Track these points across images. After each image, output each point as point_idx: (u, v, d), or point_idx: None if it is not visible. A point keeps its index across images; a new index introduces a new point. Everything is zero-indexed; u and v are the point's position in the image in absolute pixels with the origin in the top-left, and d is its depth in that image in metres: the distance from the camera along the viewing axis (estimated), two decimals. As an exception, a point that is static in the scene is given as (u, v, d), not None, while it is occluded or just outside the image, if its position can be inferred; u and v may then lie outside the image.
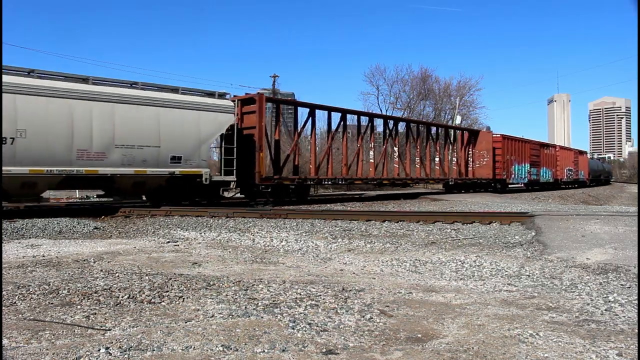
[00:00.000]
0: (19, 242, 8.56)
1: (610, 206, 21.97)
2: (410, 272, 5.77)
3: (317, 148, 20.56)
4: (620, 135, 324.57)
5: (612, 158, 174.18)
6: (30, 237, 9.24)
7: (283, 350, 3.07)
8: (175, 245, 8.11)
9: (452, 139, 27.44)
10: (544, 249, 7.05)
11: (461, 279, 5.37)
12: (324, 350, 3.09)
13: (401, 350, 3.11)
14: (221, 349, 3.08)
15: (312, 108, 19.11)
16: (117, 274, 5.48)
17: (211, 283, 4.97)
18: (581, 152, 47.33)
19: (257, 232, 9.44)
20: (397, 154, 23.71)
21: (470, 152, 28.70)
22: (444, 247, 7.66)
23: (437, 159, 26.05)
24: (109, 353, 2.99)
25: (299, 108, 19.53)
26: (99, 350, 3.03)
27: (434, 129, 26.75)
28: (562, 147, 41.61)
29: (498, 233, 8.86)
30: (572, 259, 6.24)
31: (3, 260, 6.52)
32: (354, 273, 5.73)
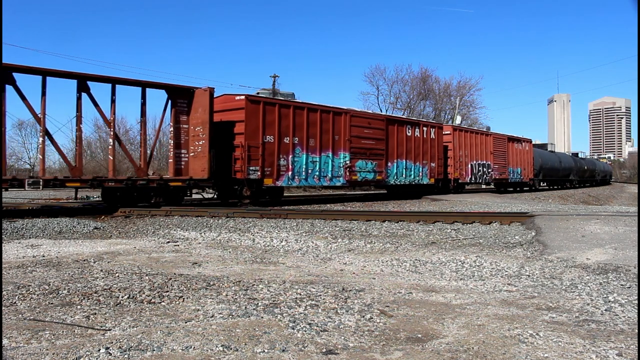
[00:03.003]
0: (19, 242, 8.55)
1: (610, 206, 21.98)
2: (410, 272, 5.77)
3: None
4: (620, 135, 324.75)
5: (612, 158, 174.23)
6: (30, 237, 9.24)
7: (283, 350, 3.07)
8: (175, 245, 8.11)
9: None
10: (544, 249, 7.05)
11: (461, 279, 5.36)
12: (324, 350, 3.09)
13: (401, 350, 3.11)
14: (221, 349, 3.08)
15: None
16: (117, 274, 5.48)
17: (211, 283, 4.97)
18: (516, 140, 31.13)
19: (257, 232, 9.44)
20: None
21: (171, 128, 14.70)
22: (444, 247, 7.66)
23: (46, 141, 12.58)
24: (109, 353, 2.99)
25: None
26: (99, 350, 3.03)
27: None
28: (464, 130, 26.12)
29: (498, 233, 8.87)
30: (572, 259, 6.24)
31: (3, 260, 6.52)
32: (354, 273, 5.73)
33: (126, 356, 2.97)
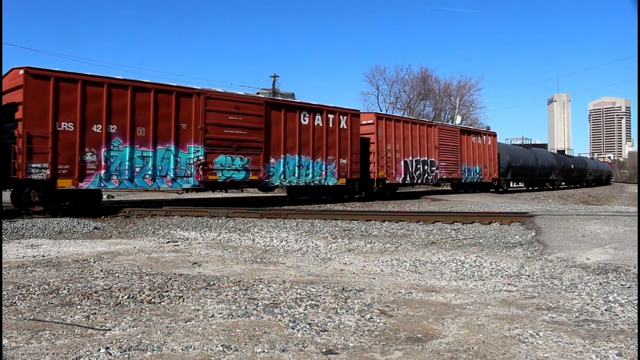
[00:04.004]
0: (19, 242, 8.55)
1: (610, 206, 21.98)
2: (410, 272, 5.77)
3: None
4: (620, 135, 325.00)
5: (612, 158, 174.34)
6: (30, 237, 9.23)
7: (283, 350, 3.07)
8: (175, 245, 8.11)
9: None
10: (544, 249, 7.04)
11: (461, 279, 5.36)
12: (324, 350, 3.09)
13: (401, 350, 3.11)
14: (221, 349, 3.08)
15: None
16: (117, 274, 5.48)
17: (211, 283, 4.97)
18: (474, 133, 26.42)
19: (257, 232, 9.44)
20: None
21: None
22: (444, 247, 7.66)
23: None
24: (109, 353, 2.99)
25: None
26: (99, 350, 3.03)
27: None
28: (394, 119, 21.38)
29: (498, 233, 8.87)
30: (572, 259, 6.24)
31: (3, 260, 6.51)
32: (354, 273, 5.73)
33: (126, 356, 2.97)
